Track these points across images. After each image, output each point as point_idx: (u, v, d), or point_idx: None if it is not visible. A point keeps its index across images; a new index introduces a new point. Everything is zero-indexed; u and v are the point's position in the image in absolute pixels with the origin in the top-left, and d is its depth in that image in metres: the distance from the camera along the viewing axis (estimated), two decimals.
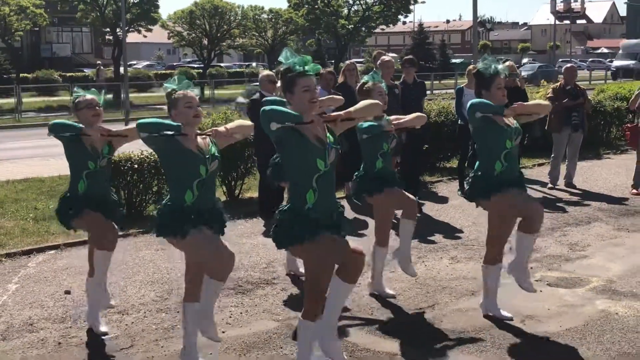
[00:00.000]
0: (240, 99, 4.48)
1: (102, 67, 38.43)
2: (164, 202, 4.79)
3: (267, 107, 4.29)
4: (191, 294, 4.88)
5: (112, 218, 5.57)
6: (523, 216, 5.59)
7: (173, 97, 4.70)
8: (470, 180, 5.70)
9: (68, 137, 5.40)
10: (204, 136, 4.70)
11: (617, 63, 56.87)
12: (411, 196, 6.31)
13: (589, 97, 12.38)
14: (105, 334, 5.56)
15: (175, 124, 4.54)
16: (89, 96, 5.53)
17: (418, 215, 6.50)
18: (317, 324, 4.55)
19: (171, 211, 4.64)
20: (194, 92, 4.78)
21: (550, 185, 11.32)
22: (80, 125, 5.44)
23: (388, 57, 9.57)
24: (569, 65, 12.30)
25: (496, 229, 5.73)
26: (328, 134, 4.43)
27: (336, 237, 4.45)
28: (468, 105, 5.51)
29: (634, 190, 10.74)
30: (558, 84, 11.79)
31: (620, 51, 59.02)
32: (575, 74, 11.60)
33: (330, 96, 6.55)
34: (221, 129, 4.66)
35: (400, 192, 6.19)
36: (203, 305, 4.69)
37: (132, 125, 5.41)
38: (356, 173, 6.22)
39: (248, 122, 4.94)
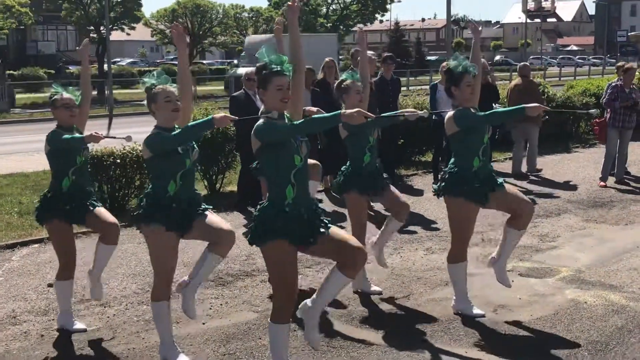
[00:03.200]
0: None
1: None
2: (146, 192, 4.90)
3: (271, 137, 4.32)
4: (157, 292, 4.94)
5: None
6: (514, 214, 5.73)
7: (152, 91, 4.80)
8: (445, 176, 5.76)
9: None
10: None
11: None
12: (403, 198, 6.40)
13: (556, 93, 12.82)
14: (85, 330, 5.60)
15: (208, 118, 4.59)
16: (66, 95, 5.52)
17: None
18: (288, 326, 4.59)
19: (153, 200, 4.77)
20: (173, 87, 4.85)
21: (529, 174, 12.00)
22: (81, 135, 5.42)
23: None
24: (523, 64, 13.16)
25: (455, 226, 5.78)
26: None
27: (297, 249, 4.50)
28: (459, 116, 5.56)
29: (602, 183, 11.01)
30: (517, 81, 12.43)
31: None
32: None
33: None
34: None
35: (392, 194, 6.28)
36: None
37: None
38: (343, 168, 6.24)
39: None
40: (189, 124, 4.66)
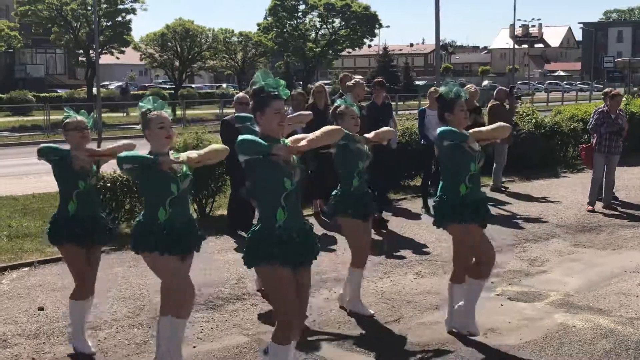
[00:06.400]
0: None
1: None
2: (138, 218, 4.93)
3: (241, 139, 4.30)
4: (166, 307, 4.97)
5: (101, 239, 5.60)
6: (477, 260, 5.77)
7: (147, 116, 4.84)
8: (435, 205, 5.80)
9: (58, 160, 5.42)
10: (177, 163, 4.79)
11: None
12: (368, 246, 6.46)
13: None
14: (94, 353, 5.58)
15: (151, 157, 4.68)
16: (78, 118, 5.52)
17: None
18: (291, 347, 4.59)
19: (145, 227, 4.81)
20: (168, 113, 4.90)
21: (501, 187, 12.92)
22: (67, 148, 5.45)
23: (354, 80, 9.70)
24: (498, 88, 13.98)
25: (460, 251, 5.84)
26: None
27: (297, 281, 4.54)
28: (437, 133, 5.62)
29: (589, 208, 11.10)
30: (495, 103, 13.07)
31: None
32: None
33: (298, 113, 6.62)
34: (193, 155, 4.75)
35: (369, 235, 6.39)
36: (163, 351, 4.93)
37: (111, 144, 5.55)
38: (333, 192, 6.30)
39: (221, 147, 4.97)
40: (131, 152, 4.80)
